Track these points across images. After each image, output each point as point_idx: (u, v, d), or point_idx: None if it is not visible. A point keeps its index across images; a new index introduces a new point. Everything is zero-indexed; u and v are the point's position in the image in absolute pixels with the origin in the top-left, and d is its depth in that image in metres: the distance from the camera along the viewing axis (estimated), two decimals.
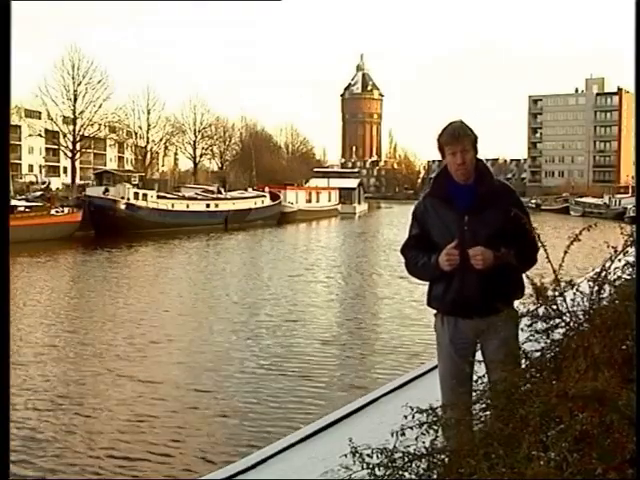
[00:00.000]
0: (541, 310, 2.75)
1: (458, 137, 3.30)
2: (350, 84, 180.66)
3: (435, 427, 2.30)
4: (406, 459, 2.15)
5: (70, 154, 58.28)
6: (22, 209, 37.03)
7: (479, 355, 3.37)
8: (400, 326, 14.86)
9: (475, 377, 2.98)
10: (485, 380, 2.88)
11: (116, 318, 15.96)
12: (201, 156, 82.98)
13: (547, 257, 2.94)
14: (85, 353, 12.65)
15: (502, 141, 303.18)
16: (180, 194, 53.94)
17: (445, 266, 3.26)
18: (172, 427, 8.76)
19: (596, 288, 2.74)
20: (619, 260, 2.84)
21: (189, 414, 9.28)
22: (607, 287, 2.77)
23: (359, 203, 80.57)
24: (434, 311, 3.51)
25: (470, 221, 3.30)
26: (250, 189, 63.31)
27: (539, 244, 3.08)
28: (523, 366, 2.76)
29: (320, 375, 11.02)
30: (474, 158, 3.35)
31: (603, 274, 2.77)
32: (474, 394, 2.84)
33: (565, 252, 2.83)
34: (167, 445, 8.19)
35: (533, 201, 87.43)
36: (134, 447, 8.14)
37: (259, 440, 7.64)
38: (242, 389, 10.32)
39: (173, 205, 48.41)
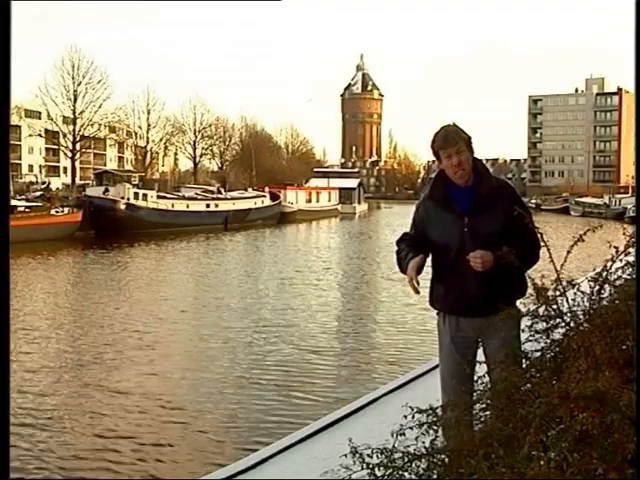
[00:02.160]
0: (541, 310, 2.75)
1: (451, 139, 3.30)
2: (350, 84, 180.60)
3: (435, 427, 2.30)
4: (406, 459, 2.14)
5: (70, 154, 58.35)
6: (22, 209, 37.03)
7: (480, 355, 3.37)
8: (393, 334, 14.09)
9: (475, 377, 2.98)
10: (485, 380, 2.88)
11: (102, 322, 15.51)
12: (201, 156, 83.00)
13: (550, 257, 2.94)
14: (61, 361, 12.11)
15: (502, 141, 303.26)
16: (180, 194, 53.94)
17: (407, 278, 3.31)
18: (134, 443, 8.19)
19: (597, 288, 2.74)
20: (620, 260, 2.84)
21: (155, 429, 8.66)
22: (607, 287, 2.77)
23: (359, 203, 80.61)
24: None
25: (470, 223, 3.30)
26: (250, 189, 63.35)
27: (542, 243, 3.09)
28: (523, 366, 2.76)
29: (304, 387, 10.38)
30: (470, 159, 3.35)
31: (604, 274, 2.77)
32: (475, 394, 2.84)
33: (568, 252, 2.83)
34: (122, 463, 7.68)
35: (533, 201, 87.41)
36: (88, 465, 7.63)
37: (227, 459, 7.03)
38: (217, 402, 9.64)
39: (173, 205, 48.42)
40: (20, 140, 74.88)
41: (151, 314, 16.68)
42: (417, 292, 3.23)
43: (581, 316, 2.66)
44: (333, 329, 15.11)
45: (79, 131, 57.86)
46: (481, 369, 3.07)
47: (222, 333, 14.33)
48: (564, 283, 2.77)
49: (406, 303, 16.88)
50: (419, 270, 3.26)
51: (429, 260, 3.50)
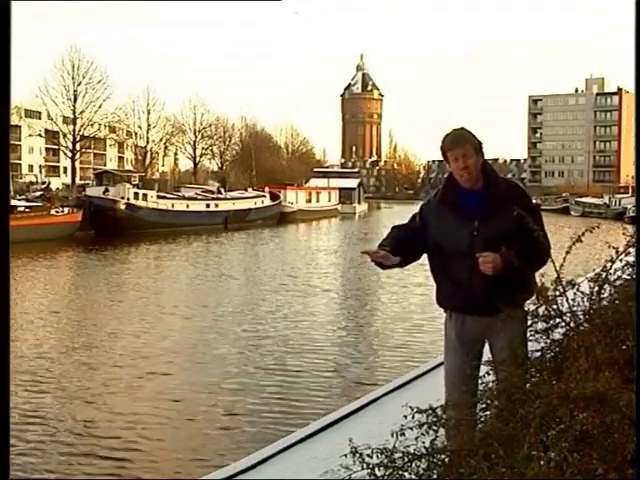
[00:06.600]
0: (541, 310, 2.75)
1: (459, 142, 3.32)
2: (350, 84, 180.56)
3: (435, 427, 2.30)
4: (406, 459, 2.14)
5: (70, 154, 58.36)
6: (22, 209, 37.01)
7: (486, 354, 3.37)
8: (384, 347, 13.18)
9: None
10: (486, 379, 2.88)
11: (82, 328, 15.06)
12: (201, 156, 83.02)
13: (550, 256, 2.95)
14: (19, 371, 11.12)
15: (502, 141, 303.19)
16: (180, 194, 53.94)
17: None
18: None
19: (596, 288, 2.74)
20: (620, 260, 2.84)
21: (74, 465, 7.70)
22: (607, 287, 2.77)
23: (359, 203, 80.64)
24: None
25: (480, 226, 3.31)
26: (250, 189, 63.37)
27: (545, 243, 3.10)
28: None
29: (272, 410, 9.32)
30: (478, 163, 3.35)
31: (604, 274, 2.77)
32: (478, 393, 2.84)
33: (567, 252, 2.83)
34: None
35: (533, 201, 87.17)
36: None
37: None
38: (160, 436, 8.58)
39: (173, 205, 48.42)
40: (20, 140, 74.93)
41: (130, 323, 15.86)
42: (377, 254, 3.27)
43: (581, 316, 2.66)
44: (321, 340, 13.98)
45: (79, 131, 57.88)
46: (484, 368, 3.08)
47: (192, 350, 13.19)
48: (563, 283, 2.77)
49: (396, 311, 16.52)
50: (384, 260, 3.27)
51: (427, 258, 3.52)
